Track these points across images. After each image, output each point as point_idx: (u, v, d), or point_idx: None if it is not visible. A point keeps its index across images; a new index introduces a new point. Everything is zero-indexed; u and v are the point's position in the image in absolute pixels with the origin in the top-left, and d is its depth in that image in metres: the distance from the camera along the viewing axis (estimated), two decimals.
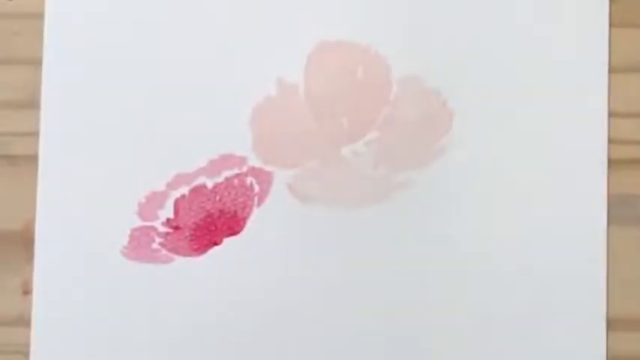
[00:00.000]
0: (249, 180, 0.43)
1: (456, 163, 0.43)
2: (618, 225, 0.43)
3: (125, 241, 0.43)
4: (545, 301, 0.43)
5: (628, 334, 0.43)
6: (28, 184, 0.43)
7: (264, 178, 0.43)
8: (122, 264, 0.43)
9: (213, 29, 0.44)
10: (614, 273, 0.43)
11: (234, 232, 0.43)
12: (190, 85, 0.43)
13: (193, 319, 0.43)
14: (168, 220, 0.43)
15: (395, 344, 0.43)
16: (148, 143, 0.43)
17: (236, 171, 0.43)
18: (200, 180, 0.43)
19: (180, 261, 0.43)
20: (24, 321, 0.43)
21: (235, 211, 0.43)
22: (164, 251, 0.43)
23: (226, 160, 0.43)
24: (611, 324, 0.43)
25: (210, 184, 0.43)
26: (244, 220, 0.43)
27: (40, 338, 0.43)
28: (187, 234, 0.43)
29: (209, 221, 0.43)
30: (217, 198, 0.43)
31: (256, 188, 0.43)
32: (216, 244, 0.43)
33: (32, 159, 0.43)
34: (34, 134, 0.43)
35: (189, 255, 0.43)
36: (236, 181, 0.43)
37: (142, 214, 0.43)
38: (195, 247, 0.43)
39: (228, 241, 0.43)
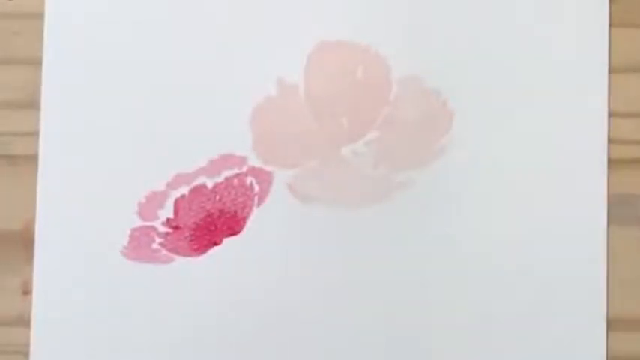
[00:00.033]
0: (249, 180, 0.43)
1: (456, 163, 0.43)
2: (618, 225, 0.43)
3: (125, 241, 0.43)
4: (545, 301, 0.43)
5: (628, 334, 0.43)
6: (28, 184, 0.43)
7: (264, 178, 0.43)
8: (122, 264, 0.43)
9: (213, 29, 0.44)
10: (614, 273, 0.43)
11: (234, 232, 0.43)
12: (190, 85, 0.43)
13: (193, 319, 0.43)
14: (168, 220, 0.43)
15: (395, 344, 0.43)
16: (148, 143, 0.43)
17: (236, 171, 0.43)
18: (200, 180, 0.43)
19: (180, 261, 0.43)
20: (24, 321, 0.43)
21: (235, 211, 0.43)
22: (164, 251, 0.43)
23: (226, 160, 0.43)
24: (611, 324, 0.43)
25: (210, 184, 0.43)
26: (244, 220, 0.43)
27: (40, 338, 0.43)
28: (187, 234, 0.43)
29: (209, 221, 0.43)
30: (217, 198, 0.43)
31: (256, 188, 0.43)
32: (216, 244, 0.43)
33: (32, 159, 0.43)
34: (34, 134, 0.43)
35: (189, 255, 0.43)
36: (236, 181, 0.43)
37: (142, 214, 0.43)
38: (195, 247, 0.43)
39: (228, 241, 0.43)
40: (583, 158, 0.43)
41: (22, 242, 0.43)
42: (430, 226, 0.43)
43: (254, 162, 0.43)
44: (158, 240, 0.43)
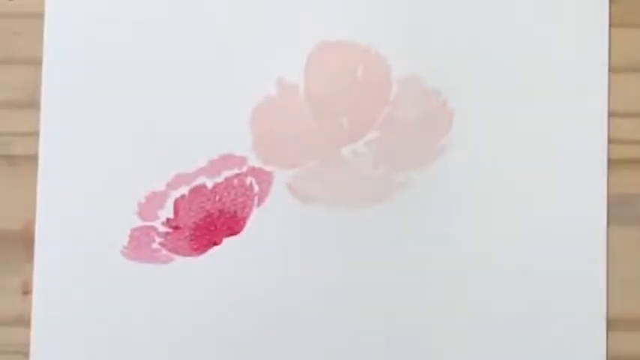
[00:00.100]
0: (249, 180, 0.43)
1: (456, 163, 0.43)
2: (618, 225, 0.43)
3: (125, 241, 0.43)
4: (545, 301, 0.43)
5: (628, 334, 0.43)
6: (28, 184, 0.43)
7: (264, 178, 0.43)
8: (122, 264, 0.43)
9: (213, 29, 0.44)
10: (614, 273, 0.43)
11: (233, 232, 0.43)
12: (190, 85, 0.43)
13: (193, 319, 0.43)
14: (168, 220, 0.43)
15: (395, 344, 0.43)
16: (148, 143, 0.43)
17: (236, 171, 0.43)
18: (200, 180, 0.43)
19: (180, 261, 0.43)
20: (24, 321, 0.43)
21: (235, 211, 0.43)
22: (164, 251, 0.43)
23: (226, 160, 0.43)
24: (611, 324, 0.43)
25: (210, 184, 0.43)
26: (244, 220, 0.43)
27: (40, 338, 0.43)
28: (187, 234, 0.43)
29: (209, 221, 0.43)
30: (217, 198, 0.43)
31: (256, 188, 0.43)
32: (215, 244, 0.43)
33: (32, 159, 0.43)
34: (34, 134, 0.43)
35: (189, 255, 0.43)
36: (236, 181, 0.43)
37: (142, 214, 0.43)
38: (195, 247, 0.43)
39: (227, 241, 0.43)
40: (583, 158, 0.43)
41: (22, 242, 0.43)
42: (430, 226, 0.43)
43: (254, 162, 0.43)
44: (158, 240, 0.43)
